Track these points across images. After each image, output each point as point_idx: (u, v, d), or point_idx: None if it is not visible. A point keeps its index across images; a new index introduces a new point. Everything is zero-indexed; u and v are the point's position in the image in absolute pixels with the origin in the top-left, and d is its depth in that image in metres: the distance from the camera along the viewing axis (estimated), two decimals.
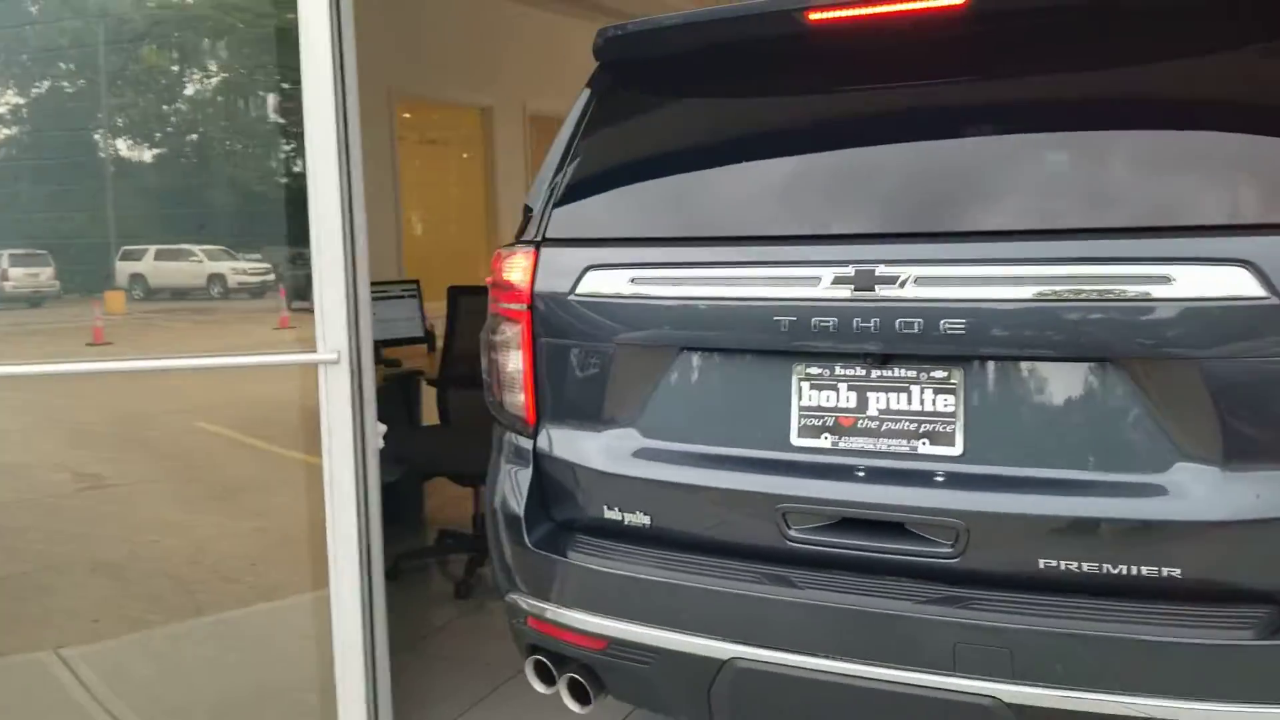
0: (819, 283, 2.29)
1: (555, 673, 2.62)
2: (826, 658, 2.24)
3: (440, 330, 5.61)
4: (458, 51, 8.98)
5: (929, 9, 2.34)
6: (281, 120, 3.75)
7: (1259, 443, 2.02)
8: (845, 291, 2.27)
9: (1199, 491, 2.06)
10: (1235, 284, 1.98)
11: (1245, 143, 2.11)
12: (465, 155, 10.48)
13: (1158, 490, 2.09)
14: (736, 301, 2.40)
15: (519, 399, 2.65)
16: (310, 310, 3.10)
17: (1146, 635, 2.02)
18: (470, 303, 5.13)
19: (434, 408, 5.77)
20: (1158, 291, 2.05)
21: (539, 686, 2.67)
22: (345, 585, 3.18)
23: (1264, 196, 2.03)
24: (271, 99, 3.88)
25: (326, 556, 3.17)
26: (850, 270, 2.26)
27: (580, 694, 2.59)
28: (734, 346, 2.46)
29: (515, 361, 2.64)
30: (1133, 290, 2.07)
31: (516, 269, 2.63)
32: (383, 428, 3.22)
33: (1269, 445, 2.01)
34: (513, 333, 2.64)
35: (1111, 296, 2.08)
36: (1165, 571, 2.07)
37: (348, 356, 3.08)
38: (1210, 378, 2.03)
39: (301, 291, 3.24)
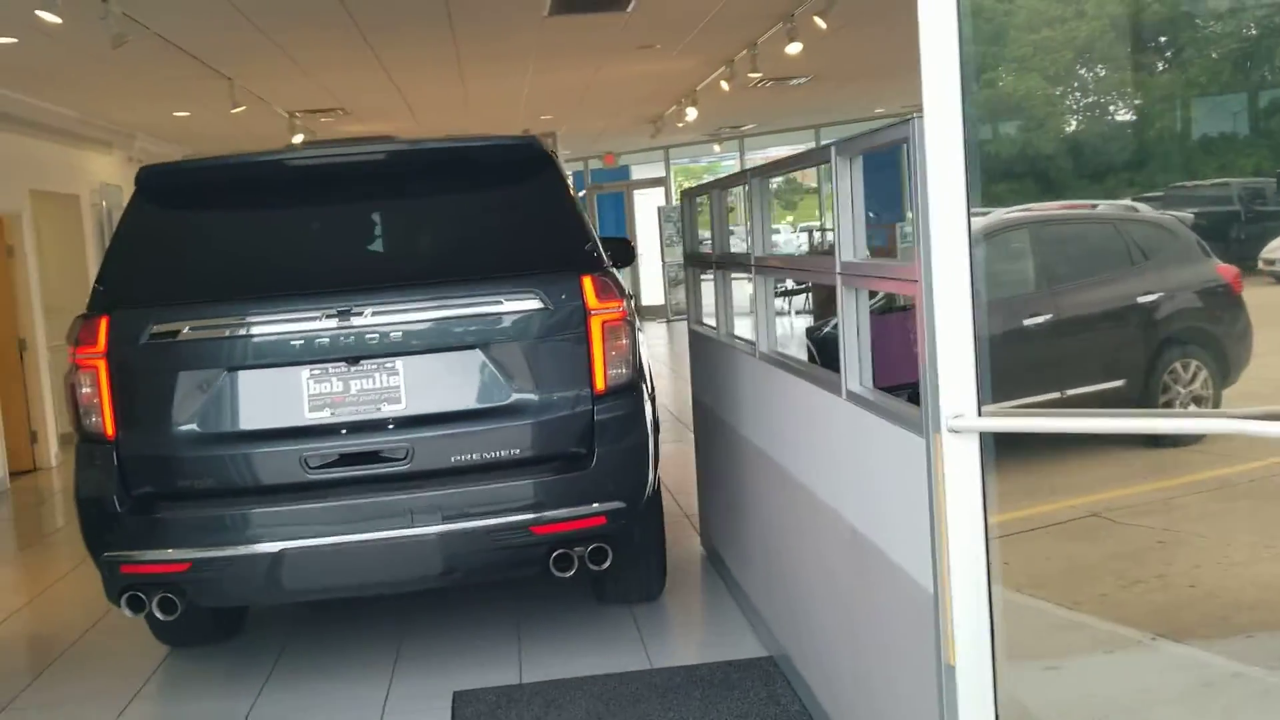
0: (317, 318, 3.97)
1: (145, 599, 3.91)
2: (342, 535, 3.88)
3: None
4: None
5: (361, 157, 4.36)
6: None
7: (558, 376, 4.07)
8: (334, 322, 3.97)
9: (522, 406, 4.03)
10: (529, 301, 4.04)
11: (519, 238, 4.30)
12: None
13: (505, 411, 4.04)
14: (263, 334, 4.00)
15: (96, 419, 4.01)
16: None
17: (502, 483, 3.98)
18: None
19: None
20: (495, 309, 4.03)
21: (129, 614, 3.95)
22: None
23: (530, 263, 4.13)
24: None
25: None
26: (332, 309, 3.96)
27: (169, 608, 3.92)
28: (263, 362, 4.02)
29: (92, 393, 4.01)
30: (483, 310, 4.02)
31: (92, 330, 4.00)
32: None
33: (569, 376, 4.06)
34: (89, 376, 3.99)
35: (472, 314, 4.02)
36: (512, 453, 4.02)
37: None
38: (522, 350, 4.04)
39: None
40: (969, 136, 2.18)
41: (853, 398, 2.93)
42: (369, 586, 4.28)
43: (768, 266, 4.04)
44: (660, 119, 16.29)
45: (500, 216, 4.35)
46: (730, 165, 23.61)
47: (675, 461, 7.78)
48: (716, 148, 21.42)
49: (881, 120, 20.84)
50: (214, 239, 4.37)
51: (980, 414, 2.15)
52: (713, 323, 4.97)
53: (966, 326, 2.17)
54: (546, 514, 3.93)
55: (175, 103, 11.13)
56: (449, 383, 4.04)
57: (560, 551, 3.95)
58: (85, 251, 11.52)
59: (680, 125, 15.23)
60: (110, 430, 3.97)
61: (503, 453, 4.01)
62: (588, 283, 4.05)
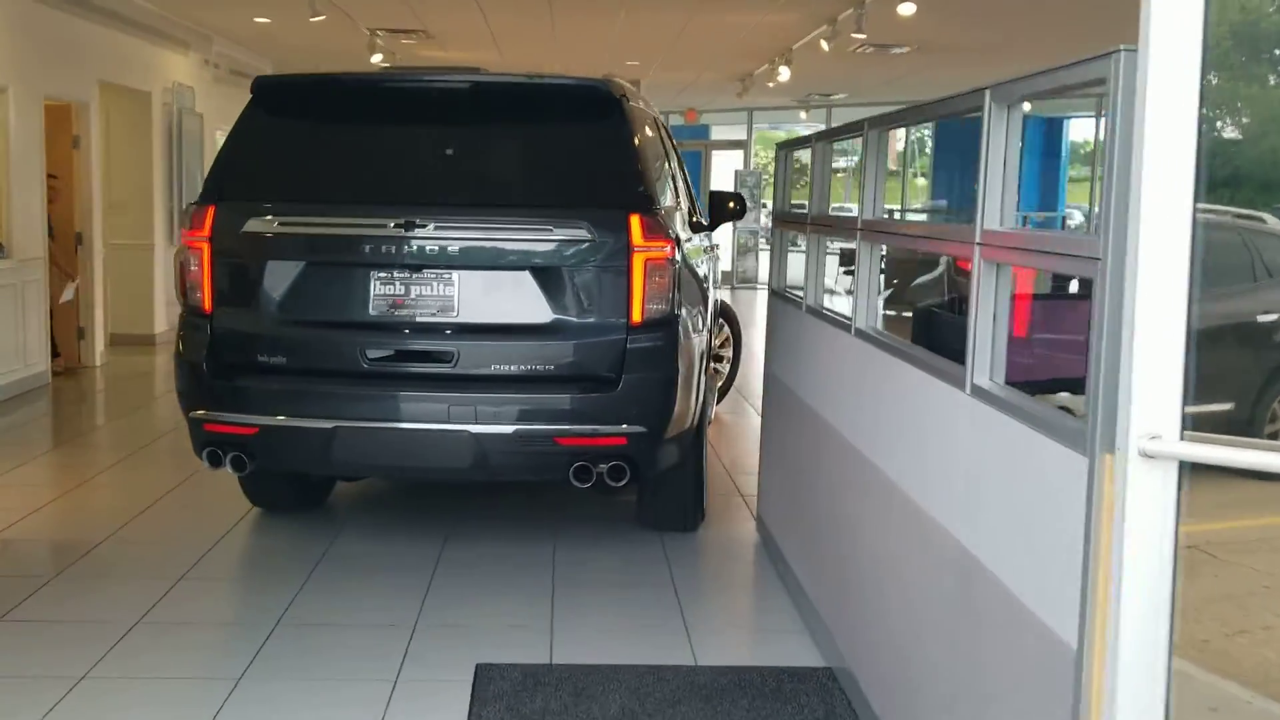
0: (386, 226, 4.32)
1: (221, 456, 4.41)
2: (388, 422, 4.31)
3: None
4: None
5: (445, 85, 4.77)
6: None
7: (597, 305, 4.34)
8: (399, 231, 4.30)
9: (562, 327, 4.33)
10: (578, 232, 4.28)
11: (579, 174, 4.58)
12: None
13: (544, 330, 4.34)
14: (340, 235, 4.42)
15: (198, 294, 4.50)
16: None
17: (533, 394, 4.31)
18: None
19: None
20: (545, 237, 4.30)
21: (208, 466, 4.46)
22: None
23: (586, 198, 4.44)
24: None
25: None
26: (401, 220, 4.31)
27: (239, 465, 4.43)
28: (338, 261, 4.43)
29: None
30: (534, 236, 4.32)
31: (201, 217, 4.50)
32: None
33: (608, 306, 4.32)
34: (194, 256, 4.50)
35: (524, 238, 4.33)
36: (547, 368, 4.32)
37: None
38: (566, 276, 4.31)
39: None
40: (1205, 74, 1.69)
41: (980, 394, 2.46)
42: (406, 470, 4.93)
43: (878, 232, 3.55)
44: (749, 77, 15.67)
45: (565, 151, 4.66)
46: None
47: (730, 434, 7.37)
48: (803, 114, 20.72)
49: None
50: (309, 146, 4.79)
51: (1183, 437, 1.67)
52: (799, 291, 4.49)
53: (1178, 323, 1.68)
54: (570, 427, 4.27)
55: (257, 6, 10.76)
56: (497, 298, 4.39)
57: (581, 464, 4.26)
58: (153, 151, 11.25)
59: (771, 85, 14.62)
60: (208, 305, 4.48)
61: (538, 367, 4.33)
62: (635, 221, 4.29)
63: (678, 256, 4.45)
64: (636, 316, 4.31)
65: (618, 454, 4.27)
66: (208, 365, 4.45)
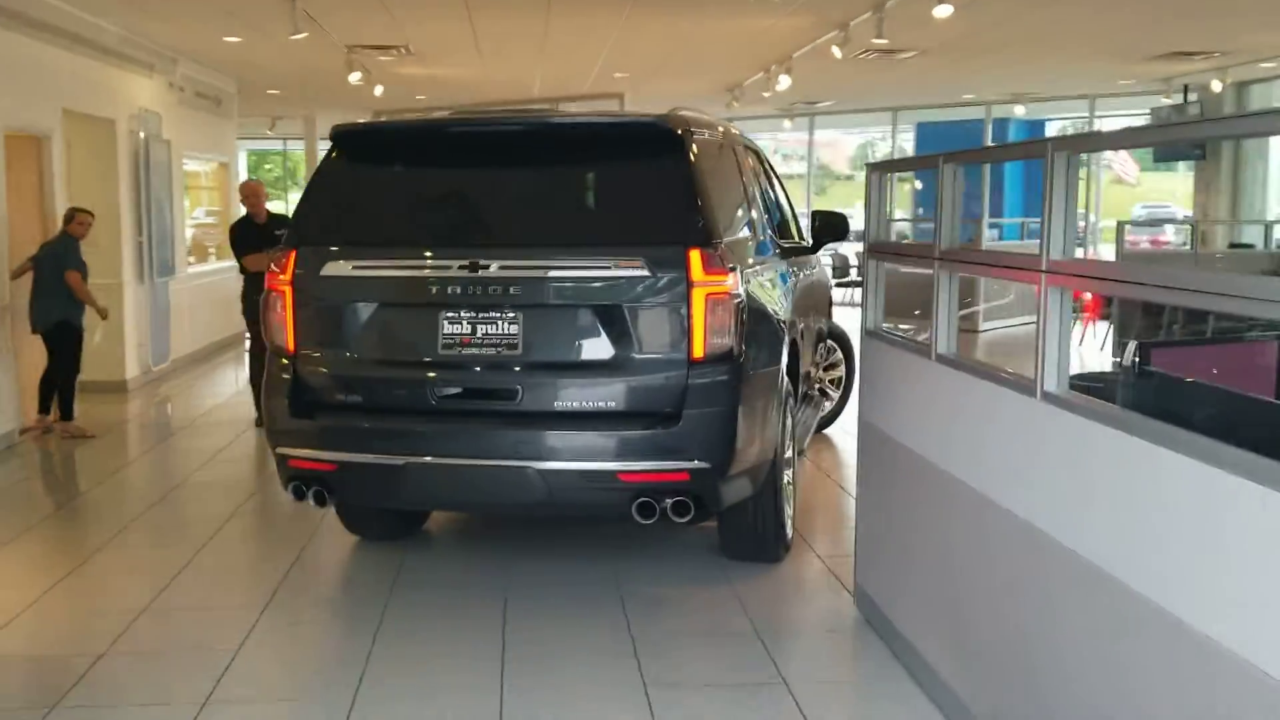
0: (452, 268, 4.43)
1: (305, 490, 4.54)
2: (456, 458, 4.40)
3: None
4: None
5: (509, 128, 4.94)
6: None
7: (658, 341, 4.37)
8: (465, 272, 4.40)
9: (624, 364, 4.37)
10: (637, 268, 4.31)
11: (639, 211, 4.60)
12: None
13: (606, 366, 4.37)
14: (410, 277, 4.55)
15: (282, 335, 4.64)
16: None
17: (596, 431, 4.32)
18: None
19: None
20: (604, 274, 4.35)
21: (294, 499, 4.60)
22: None
23: (645, 234, 4.43)
24: None
25: None
26: (467, 261, 4.40)
27: (320, 500, 4.56)
28: (409, 302, 4.56)
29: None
30: (593, 274, 4.36)
31: (283, 261, 4.65)
32: None
33: (668, 341, 4.36)
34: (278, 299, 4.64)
35: (584, 276, 4.37)
36: (609, 405, 4.36)
37: None
38: (626, 313, 4.34)
39: None
40: None
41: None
42: (473, 505, 5.30)
43: (1073, 275, 2.90)
44: (739, 87, 15.09)
45: (625, 188, 4.70)
46: (790, 146, 22.34)
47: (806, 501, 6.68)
48: (787, 124, 20.18)
49: (968, 107, 19.49)
50: (381, 190, 4.93)
51: None
52: (908, 333, 3.83)
53: None
54: (633, 464, 4.25)
55: (228, 24, 10.01)
56: (559, 336, 4.43)
57: (644, 500, 4.23)
58: (119, 182, 10.43)
59: (767, 95, 14.02)
60: (291, 346, 4.62)
61: (600, 404, 4.35)
62: (695, 256, 4.27)
63: (741, 290, 4.39)
64: (699, 351, 4.29)
65: (681, 489, 4.26)
66: (290, 403, 4.59)
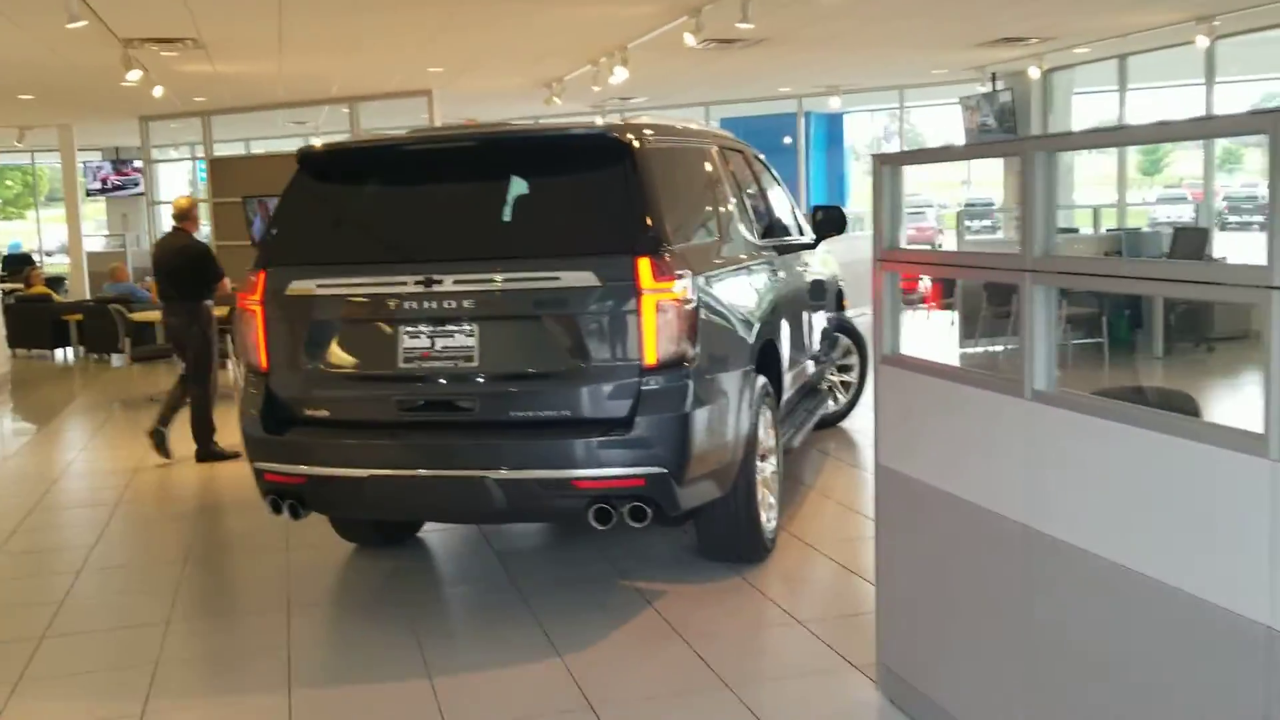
0: (407, 284, 4.48)
1: (280, 502, 4.65)
2: (417, 469, 4.46)
3: None
4: None
5: (457, 146, 4.98)
6: None
7: (611, 349, 4.35)
8: (422, 288, 4.46)
9: (576, 372, 4.37)
10: (586, 278, 4.31)
11: (588, 221, 4.56)
12: None
13: (559, 375, 4.39)
14: (372, 294, 4.58)
15: (255, 353, 4.77)
16: None
17: (551, 439, 4.33)
18: None
19: None
20: (554, 285, 4.35)
21: (271, 512, 4.70)
22: None
23: (595, 244, 4.41)
24: None
25: None
26: (423, 277, 4.44)
27: (295, 512, 4.66)
28: (371, 318, 4.61)
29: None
30: (543, 285, 4.37)
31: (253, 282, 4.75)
32: None
33: (621, 349, 4.34)
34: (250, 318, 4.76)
35: (534, 288, 4.38)
36: (564, 413, 4.38)
37: None
38: (577, 322, 4.35)
39: None
40: None
41: None
42: (435, 515, 5.36)
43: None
44: (559, 82, 14.22)
45: (575, 200, 4.68)
46: None
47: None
48: (599, 121, 19.43)
49: (782, 100, 19.23)
50: (344, 209, 4.96)
51: None
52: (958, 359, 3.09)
53: None
54: (587, 471, 4.28)
55: None
56: (514, 348, 4.49)
57: (600, 506, 4.26)
58: None
59: (597, 89, 13.21)
60: (264, 363, 4.70)
61: (555, 412, 4.39)
62: (644, 264, 4.29)
63: (694, 295, 4.41)
64: (650, 358, 4.32)
65: (637, 495, 4.29)
66: (263, 419, 4.68)
